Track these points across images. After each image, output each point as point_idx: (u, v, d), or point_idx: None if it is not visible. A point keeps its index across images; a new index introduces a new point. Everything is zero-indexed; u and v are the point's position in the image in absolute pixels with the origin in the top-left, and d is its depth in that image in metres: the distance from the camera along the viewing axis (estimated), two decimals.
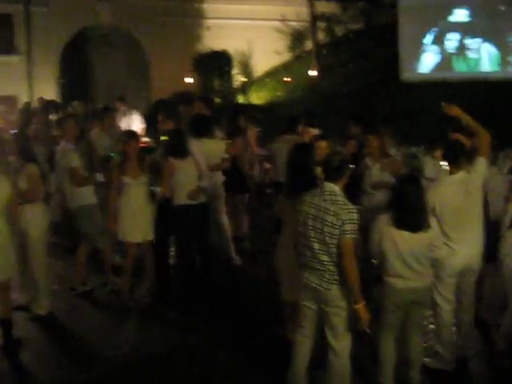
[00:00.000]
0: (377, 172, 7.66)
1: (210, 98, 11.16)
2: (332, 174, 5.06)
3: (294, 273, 5.49)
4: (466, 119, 6.21)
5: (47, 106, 13.11)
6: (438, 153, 7.55)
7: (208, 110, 9.28)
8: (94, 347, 6.44)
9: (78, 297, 7.73)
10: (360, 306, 4.92)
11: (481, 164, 5.96)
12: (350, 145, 8.43)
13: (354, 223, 4.86)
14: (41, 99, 16.50)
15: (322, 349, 5.26)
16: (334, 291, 4.99)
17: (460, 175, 5.89)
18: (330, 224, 4.87)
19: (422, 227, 5.25)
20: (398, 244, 5.23)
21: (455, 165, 5.93)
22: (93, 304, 7.63)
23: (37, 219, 6.81)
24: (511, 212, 6.35)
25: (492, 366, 6.20)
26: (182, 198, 7.49)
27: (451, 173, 5.98)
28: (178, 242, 7.91)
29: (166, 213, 7.54)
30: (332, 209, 4.88)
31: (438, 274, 5.88)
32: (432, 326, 6.51)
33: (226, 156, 8.55)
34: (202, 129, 8.26)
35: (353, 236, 4.87)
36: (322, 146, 7.34)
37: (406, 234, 5.22)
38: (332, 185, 5.00)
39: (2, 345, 6.30)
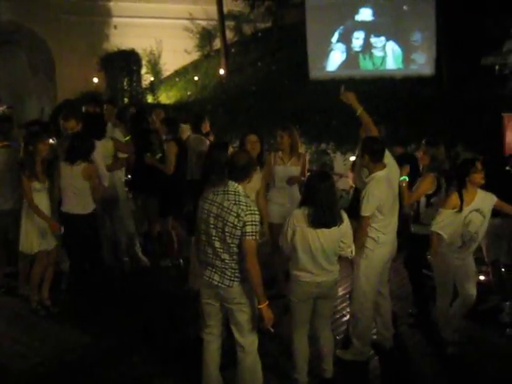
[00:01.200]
0: (290, 168, 7.81)
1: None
2: (237, 174, 5.06)
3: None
4: (360, 110, 6.38)
5: None
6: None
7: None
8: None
9: None
10: (263, 306, 4.97)
11: (390, 157, 6.15)
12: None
13: (255, 225, 4.89)
14: None
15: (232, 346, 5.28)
16: (236, 288, 5.04)
17: (383, 172, 6.04)
18: (231, 225, 4.89)
19: (335, 223, 5.34)
20: (309, 240, 5.30)
21: (380, 162, 6.07)
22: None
23: None
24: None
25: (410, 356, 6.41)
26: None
27: (375, 170, 6.07)
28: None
29: None
30: (234, 209, 4.90)
31: (363, 270, 6.02)
32: (346, 319, 6.66)
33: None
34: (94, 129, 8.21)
35: (254, 237, 4.88)
36: (253, 139, 7.37)
37: (318, 230, 5.29)
38: (236, 184, 5.02)
39: None
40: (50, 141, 8.91)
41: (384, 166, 5.99)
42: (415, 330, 7.06)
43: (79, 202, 7.32)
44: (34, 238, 7.12)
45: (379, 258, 6.07)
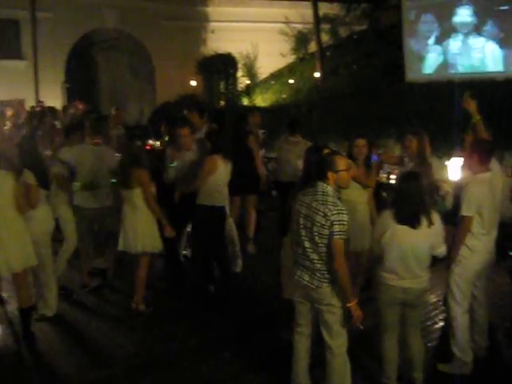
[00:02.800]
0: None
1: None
2: (318, 175, 5.12)
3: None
4: (477, 119, 6.27)
5: (45, 111, 13.13)
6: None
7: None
8: (101, 347, 6.48)
9: (81, 297, 7.83)
10: (352, 304, 4.96)
11: (496, 164, 6.05)
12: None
13: (343, 224, 4.89)
14: (40, 104, 16.67)
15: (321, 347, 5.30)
16: (325, 289, 5.04)
17: (487, 175, 5.92)
18: (319, 224, 4.91)
19: (423, 223, 5.28)
20: (400, 240, 5.26)
21: (487, 164, 5.94)
22: (96, 304, 7.68)
23: (40, 220, 6.86)
24: None
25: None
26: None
27: (480, 171, 5.94)
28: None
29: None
30: (321, 209, 4.92)
31: (455, 278, 5.90)
32: (438, 326, 6.54)
33: None
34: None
35: (342, 237, 4.90)
36: (361, 143, 7.35)
37: (407, 229, 5.25)
38: (325, 185, 5.04)
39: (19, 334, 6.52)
40: (150, 142, 9.14)
41: (488, 170, 5.88)
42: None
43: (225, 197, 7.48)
44: (140, 237, 7.18)
45: (473, 267, 5.91)
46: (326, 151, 6.10)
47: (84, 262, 8.12)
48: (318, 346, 5.35)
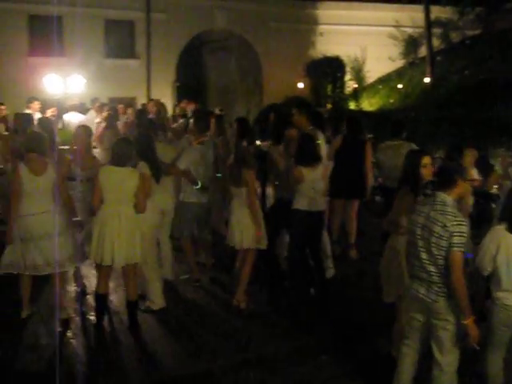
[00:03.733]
0: None
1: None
2: (444, 184, 4.97)
3: (396, 276, 5.53)
4: None
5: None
6: None
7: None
8: (203, 341, 6.58)
9: (191, 291, 7.93)
10: (469, 321, 4.75)
11: None
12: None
13: (462, 236, 4.71)
14: (153, 103, 17.11)
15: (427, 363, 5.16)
16: (442, 303, 4.84)
17: None
18: (437, 235, 4.75)
19: None
20: None
21: None
22: (202, 299, 7.75)
23: (146, 215, 7.05)
24: None
25: None
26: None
27: None
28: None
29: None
30: (440, 219, 4.76)
31: None
32: None
33: None
34: None
35: (461, 249, 4.71)
36: (471, 153, 7.20)
37: None
38: (444, 195, 4.88)
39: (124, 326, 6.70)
40: (257, 142, 9.20)
41: None
42: None
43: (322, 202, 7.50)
44: (245, 234, 7.27)
45: None
46: (427, 157, 5.99)
47: (190, 257, 8.31)
48: (425, 360, 5.23)
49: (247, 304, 7.29)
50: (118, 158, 6.44)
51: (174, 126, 12.00)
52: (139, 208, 6.47)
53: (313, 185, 7.28)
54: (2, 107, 13.34)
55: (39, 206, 6.56)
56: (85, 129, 8.01)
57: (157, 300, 7.20)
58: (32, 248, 6.57)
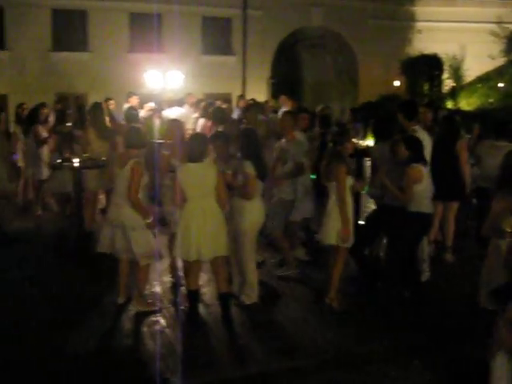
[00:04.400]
0: None
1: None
2: None
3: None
4: None
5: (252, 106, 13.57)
6: None
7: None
8: (294, 338, 6.58)
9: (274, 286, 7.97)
10: None
11: None
12: None
13: None
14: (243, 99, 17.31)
15: None
16: None
17: None
18: None
19: None
20: None
21: None
22: (296, 295, 7.73)
23: (245, 213, 7.07)
24: None
25: None
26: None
27: None
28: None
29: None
30: None
31: None
32: None
33: None
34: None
35: None
36: None
37: None
38: None
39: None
40: (353, 140, 9.13)
41: None
42: None
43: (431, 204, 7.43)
44: (333, 230, 7.26)
45: None
46: None
47: (286, 252, 8.35)
48: None
49: (339, 303, 7.22)
50: (194, 154, 6.55)
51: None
52: (219, 201, 6.55)
53: (429, 185, 7.21)
54: (111, 101, 13.84)
55: (123, 197, 6.79)
56: (177, 123, 8.22)
57: (250, 294, 7.27)
58: (119, 235, 6.84)
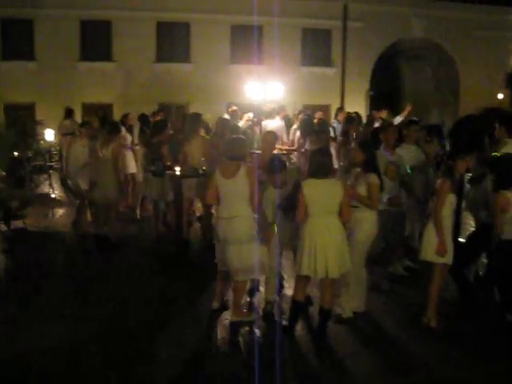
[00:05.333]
0: None
1: None
2: None
3: None
4: None
5: (351, 118, 13.51)
6: None
7: None
8: (394, 356, 6.48)
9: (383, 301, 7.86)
10: None
11: None
12: None
13: None
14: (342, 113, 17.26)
15: None
16: None
17: None
18: None
19: None
20: None
21: None
22: (393, 310, 7.61)
23: (362, 224, 7.05)
24: None
25: None
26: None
27: None
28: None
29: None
30: None
31: None
32: None
33: None
34: None
35: None
36: None
37: None
38: None
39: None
40: None
41: None
42: None
43: None
44: (428, 246, 7.11)
45: None
46: None
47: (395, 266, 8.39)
48: None
49: (438, 322, 7.03)
50: (317, 170, 6.54)
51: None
52: (344, 218, 6.52)
53: None
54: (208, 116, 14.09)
55: (230, 210, 6.79)
56: (271, 135, 8.30)
57: (353, 306, 7.25)
58: (227, 250, 6.85)
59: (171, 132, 11.16)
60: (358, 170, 7.22)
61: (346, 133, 10.81)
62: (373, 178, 6.92)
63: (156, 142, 10.22)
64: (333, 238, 6.42)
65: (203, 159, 9.63)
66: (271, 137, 8.13)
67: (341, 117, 15.89)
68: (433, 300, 7.06)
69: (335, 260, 6.43)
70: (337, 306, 7.18)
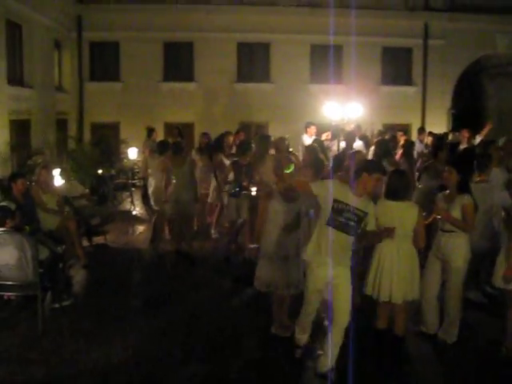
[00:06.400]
0: None
1: None
2: None
3: None
4: None
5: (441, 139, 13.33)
6: None
7: None
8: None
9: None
10: None
11: None
12: None
13: None
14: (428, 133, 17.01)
15: None
16: None
17: None
18: None
19: None
20: None
21: None
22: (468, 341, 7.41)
23: (459, 249, 6.98)
24: None
25: None
26: None
27: None
28: None
29: None
30: None
31: None
32: None
33: None
34: None
35: None
36: None
37: None
38: None
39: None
40: None
41: None
42: None
43: None
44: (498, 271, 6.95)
45: None
46: None
47: None
48: None
49: None
50: (393, 192, 6.48)
51: None
52: (417, 244, 6.44)
53: None
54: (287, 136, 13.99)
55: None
56: (311, 148, 8.40)
57: (452, 333, 7.18)
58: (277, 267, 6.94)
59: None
60: (447, 192, 7.14)
61: (435, 154, 10.50)
62: (467, 199, 6.84)
63: (243, 163, 10.22)
64: (402, 263, 6.35)
65: None
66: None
67: (422, 137, 15.71)
68: (510, 329, 6.85)
69: (400, 285, 6.35)
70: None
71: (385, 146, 10.97)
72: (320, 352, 6.47)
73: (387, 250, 6.38)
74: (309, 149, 9.57)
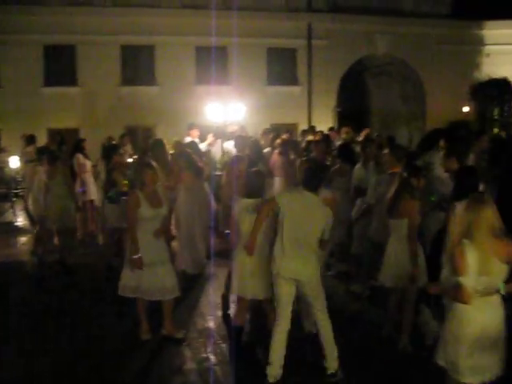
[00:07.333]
0: None
1: None
2: None
3: None
4: None
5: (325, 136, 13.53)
6: None
7: None
8: None
9: None
10: None
11: None
12: None
13: None
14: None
15: None
16: None
17: None
18: None
19: None
20: None
21: None
22: None
23: None
24: None
25: None
26: None
27: None
28: None
29: None
30: None
31: None
32: None
33: None
34: None
35: None
36: None
37: None
38: None
39: None
40: None
41: None
42: None
43: None
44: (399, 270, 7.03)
45: None
46: None
47: None
48: None
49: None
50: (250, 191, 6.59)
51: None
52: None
53: None
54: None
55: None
56: (236, 158, 8.33)
57: None
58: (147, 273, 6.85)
59: (136, 156, 11.08)
60: None
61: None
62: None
63: (109, 167, 10.11)
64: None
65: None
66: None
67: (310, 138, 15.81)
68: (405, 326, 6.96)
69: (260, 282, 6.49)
70: None
71: (258, 148, 11.12)
72: None
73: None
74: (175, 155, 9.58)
